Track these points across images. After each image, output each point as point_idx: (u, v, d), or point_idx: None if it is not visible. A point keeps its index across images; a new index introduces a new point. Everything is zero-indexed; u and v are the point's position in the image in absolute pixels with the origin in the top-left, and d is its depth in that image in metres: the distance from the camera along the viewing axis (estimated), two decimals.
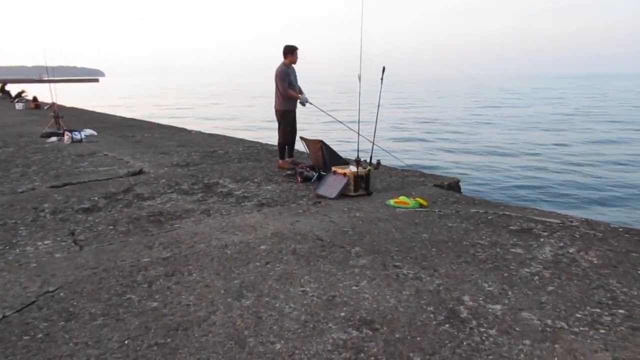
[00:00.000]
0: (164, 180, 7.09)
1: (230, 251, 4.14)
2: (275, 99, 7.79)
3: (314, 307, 3.12)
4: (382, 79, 5.97)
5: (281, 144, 7.96)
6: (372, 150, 6.28)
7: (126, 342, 2.75)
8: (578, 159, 16.32)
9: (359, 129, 6.35)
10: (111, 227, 4.93)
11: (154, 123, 17.13)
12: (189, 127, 15.09)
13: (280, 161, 8.00)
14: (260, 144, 11.27)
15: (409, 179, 7.22)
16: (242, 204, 5.75)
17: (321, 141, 6.61)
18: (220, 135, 13.16)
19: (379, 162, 6.22)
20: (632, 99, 48.88)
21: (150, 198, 6.08)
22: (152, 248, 4.27)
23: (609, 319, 2.90)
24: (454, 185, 6.99)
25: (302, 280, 3.53)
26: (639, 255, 3.95)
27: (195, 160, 8.87)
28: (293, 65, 7.80)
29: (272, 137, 9.12)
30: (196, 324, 2.94)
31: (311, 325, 2.89)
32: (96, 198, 6.09)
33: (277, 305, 3.16)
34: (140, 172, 7.79)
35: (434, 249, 4.12)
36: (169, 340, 2.76)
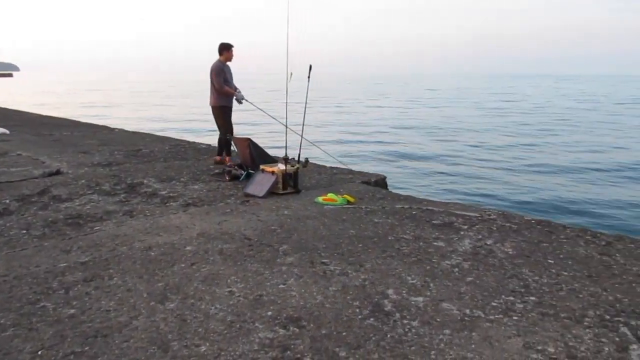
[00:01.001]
0: (83, 181, 6.76)
1: (154, 253, 4.01)
2: (211, 95, 7.67)
3: (240, 307, 3.09)
4: (309, 77, 6.00)
5: (222, 139, 7.90)
6: (300, 148, 6.30)
7: (39, 352, 2.59)
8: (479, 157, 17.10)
9: (286, 125, 6.34)
10: (24, 231, 4.64)
11: (74, 121, 16.30)
12: (111, 125, 14.49)
13: (217, 157, 7.89)
14: (188, 142, 11.02)
15: (337, 176, 7.30)
16: (168, 204, 5.60)
17: (249, 139, 6.55)
18: (145, 133, 12.74)
19: (307, 160, 6.26)
20: (537, 101, 51.54)
21: (68, 200, 5.77)
22: (70, 252, 4.06)
23: (521, 306, 3.07)
24: (380, 182, 7.15)
25: (228, 280, 3.48)
26: (548, 245, 4.22)
27: (118, 160, 8.53)
28: (228, 63, 7.74)
29: (202, 134, 8.96)
30: (116, 329, 2.82)
31: (237, 326, 2.85)
32: (7, 201, 5.71)
33: (203, 307, 3.10)
34: (58, 172, 7.38)
35: (360, 245, 4.19)
36: (87, 348, 2.63)
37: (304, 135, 6.53)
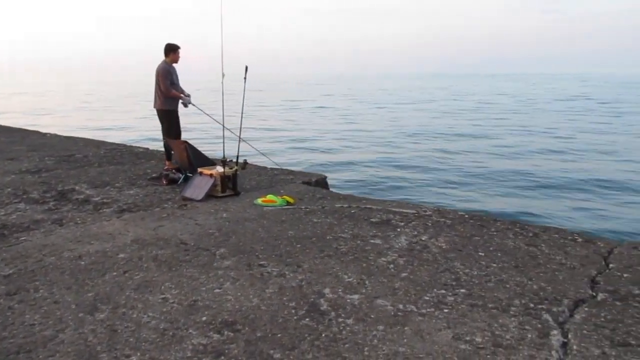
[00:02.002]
0: (9, 189, 6.42)
1: (84, 262, 3.86)
2: (156, 98, 7.38)
3: (174, 313, 3.02)
4: (245, 78, 5.95)
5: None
6: (238, 149, 6.24)
7: None
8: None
9: (223, 127, 6.26)
10: None
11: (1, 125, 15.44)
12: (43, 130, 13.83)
13: (167, 162, 7.65)
14: (125, 146, 10.69)
15: (278, 177, 7.29)
16: (101, 210, 5.40)
17: (185, 142, 6.43)
18: (79, 137, 12.24)
19: (245, 162, 6.20)
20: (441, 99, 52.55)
21: None
22: None
23: (452, 298, 3.17)
24: (321, 182, 7.19)
25: (162, 287, 3.40)
26: (480, 238, 4.38)
27: (48, 166, 8.15)
28: (174, 64, 7.48)
29: (141, 137, 8.68)
30: (41, 344, 2.70)
31: (170, 333, 2.79)
32: None
33: (135, 315, 3.01)
34: None
35: (298, 245, 4.20)
36: None
37: (243, 137, 6.47)
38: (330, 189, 7.30)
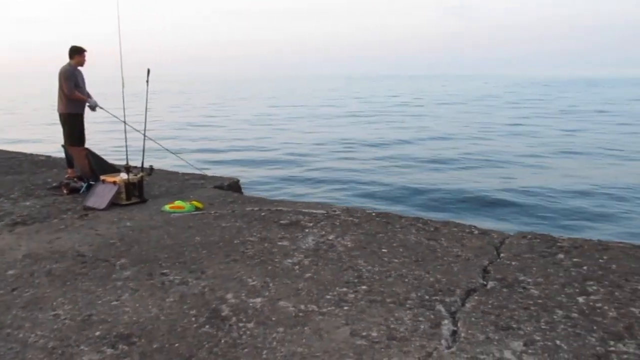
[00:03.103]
0: None
1: None
2: (59, 101, 6.92)
3: (65, 330, 2.87)
4: (147, 81, 5.77)
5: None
6: (143, 155, 6.04)
7: None
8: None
9: (125, 131, 6.03)
10: None
11: None
12: None
13: (69, 170, 7.18)
14: (24, 154, 10.01)
15: (189, 182, 7.13)
16: None
17: (86, 149, 6.13)
18: None
19: (151, 168, 6.02)
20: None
21: None
22: None
23: (353, 295, 3.24)
24: (234, 186, 7.12)
25: (54, 303, 3.21)
26: (384, 235, 4.51)
27: None
28: (80, 67, 7.04)
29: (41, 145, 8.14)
30: None
31: (60, 352, 2.64)
32: None
33: (21, 335, 2.82)
34: None
35: (204, 251, 4.13)
36: None
37: (157, 141, 6.27)
38: (245, 193, 7.25)
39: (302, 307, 3.09)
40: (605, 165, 15.63)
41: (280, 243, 4.32)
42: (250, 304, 3.14)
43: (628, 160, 16.62)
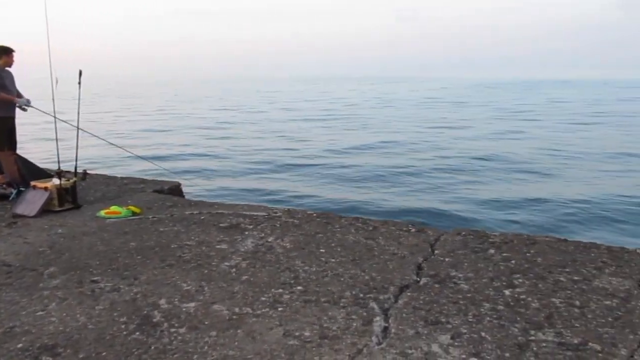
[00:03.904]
0: None
1: None
2: None
3: None
4: (79, 82, 5.58)
5: None
6: (76, 159, 5.83)
7: None
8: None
9: (56, 135, 5.80)
10: None
11: None
12: None
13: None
14: None
15: (128, 186, 6.94)
16: None
17: (15, 154, 5.86)
18: None
19: (85, 172, 5.82)
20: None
21: None
22: None
23: (288, 296, 3.25)
24: (175, 190, 6.99)
25: None
26: (323, 235, 4.55)
27: None
28: (8, 68, 6.64)
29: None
30: None
31: None
32: None
33: None
34: None
35: (139, 257, 4.03)
36: None
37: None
38: (186, 196, 7.13)
39: (237, 310, 3.07)
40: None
41: (218, 246, 4.27)
42: (184, 309, 3.09)
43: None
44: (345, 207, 10.51)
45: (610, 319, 2.89)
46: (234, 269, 3.74)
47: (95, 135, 7.27)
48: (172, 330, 2.84)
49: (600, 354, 2.53)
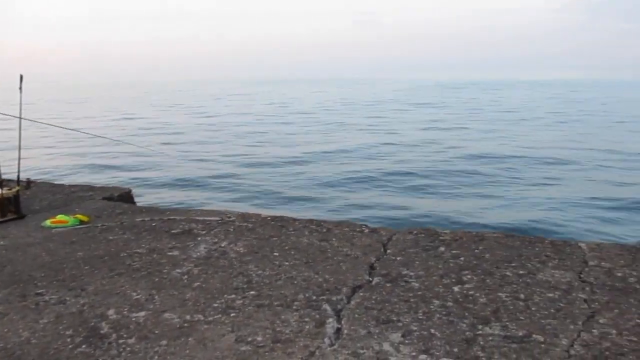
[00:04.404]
0: None
1: None
2: None
3: None
4: (20, 88, 5.37)
5: None
6: (18, 168, 5.60)
7: None
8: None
9: None
10: None
11: None
12: None
13: None
14: None
15: (76, 194, 6.72)
16: None
17: None
18: None
19: (29, 181, 5.60)
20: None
21: None
22: None
23: (240, 302, 3.22)
24: (125, 196, 6.81)
25: None
26: (277, 239, 4.53)
27: None
28: None
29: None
30: None
31: None
32: None
33: None
34: None
35: (86, 267, 3.91)
36: None
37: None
38: (138, 203, 6.97)
39: (188, 317, 3.02)
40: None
41: (170, 253, 4.20)
42: (133, 319, 3.02)
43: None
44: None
45: (552, 311, 3.01)
46: (185, 276, 3.68)
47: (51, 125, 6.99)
48: (121, 341, 2.77)
49: (543, 345, 2.63)
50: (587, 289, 3.32)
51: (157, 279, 3.63)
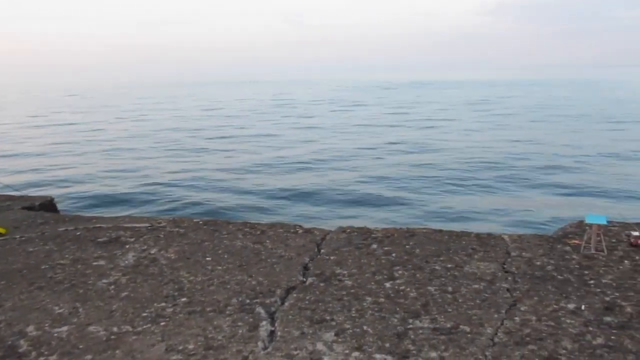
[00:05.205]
0: None
1: None
2: None
3: None
4: None
5: None
6: None
7: None
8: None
9: None
10: None
11: None
12: None
13: None
14: None
15: None
16: None
17: None
18: None
19: None
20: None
21: None
22: None
23: (171, 309, 3.14)
24: (47, 205, 6.46)
25: None
26: (210, 243, 4.45)
27: None
28: None
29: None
30: None
31: None
32: None
33: None
34: None
35: (3, 282, 3.67)
36: None
37: None
38: (61, 212, 6.62)
39: (115, 329, 2.90)
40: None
41: (95, 263, 4.02)
42: (55, 334, 2.86)
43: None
44: None
45: (478, 301, 3.13)
46: (112, 286, 3.54)
47: None
48: (42, 359, 2.62)
49: (469, 335, 2.74)
50: (510, 278, 3.49)
51: (81, 291, 3.46)
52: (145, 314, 3.08)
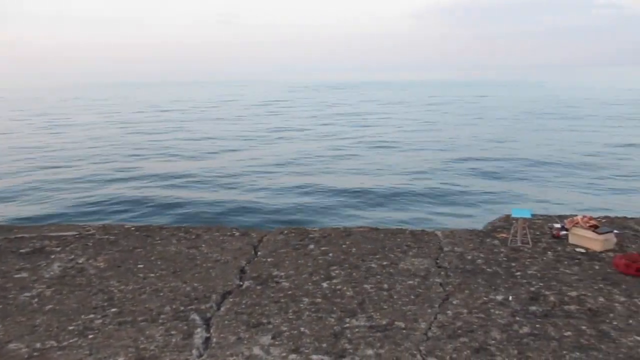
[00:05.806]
0: None
1: None
2: None
3: None
4: None
5: None
6: None
7: None
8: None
9: None
10: None
11: None
12: None
13: None
14: None
15: None
16: None
17: None
18: None
19: None
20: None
21: None
22: None
23: (100, 321, 3.00)
24: None
25: None
26: (142, 249, 4.30)
27: None
28: None
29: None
30: None
31: None
32: None
33: None
34: None
35: None
36: None
37: None
38: None
39: (38, 345, 2.74)
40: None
41: (17, 276, 3.78)
42: None
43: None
44: None
45: (412, 297, 3.20)
46: (35, 299, 3.34)
47: None
48: None
49: (404, 331, 2.79)
50: (443, 273, 3.59)
51: (1, 306, 3.24)
52: (71, 327, 2.92)
